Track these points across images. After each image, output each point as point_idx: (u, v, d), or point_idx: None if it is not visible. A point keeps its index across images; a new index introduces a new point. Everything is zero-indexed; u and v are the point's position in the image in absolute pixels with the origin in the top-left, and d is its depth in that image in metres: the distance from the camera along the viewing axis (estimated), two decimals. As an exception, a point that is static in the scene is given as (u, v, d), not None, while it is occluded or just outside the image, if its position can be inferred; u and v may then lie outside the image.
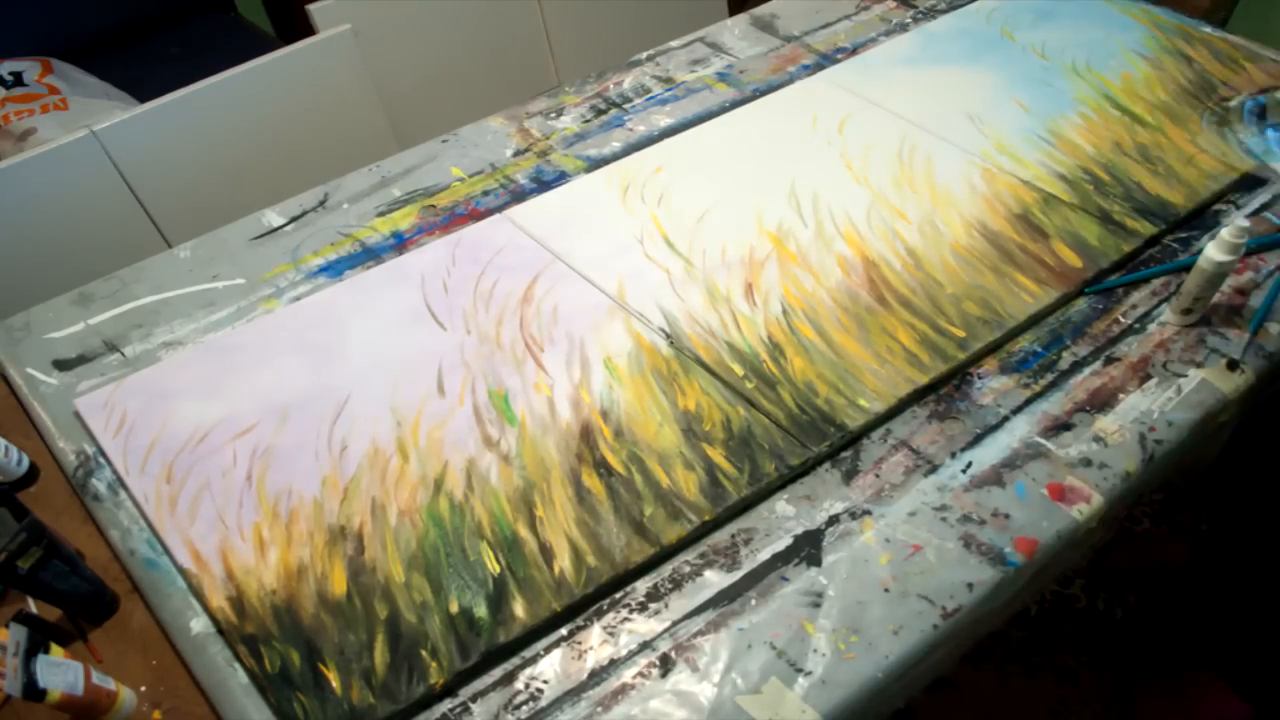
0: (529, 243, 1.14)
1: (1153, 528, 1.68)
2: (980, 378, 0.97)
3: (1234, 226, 0.93)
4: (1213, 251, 0.94)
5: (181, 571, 0.84)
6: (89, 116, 1.65)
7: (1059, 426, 0.92)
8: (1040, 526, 0.84)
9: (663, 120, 1.36)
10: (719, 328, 1.02)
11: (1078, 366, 0.98)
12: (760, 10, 1.60)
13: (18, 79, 2.01)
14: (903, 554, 0.83)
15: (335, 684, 0.75)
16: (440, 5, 1.81)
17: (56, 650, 0.73)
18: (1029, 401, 0.95)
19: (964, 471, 0.89)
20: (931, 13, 1.55)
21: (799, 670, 0.75)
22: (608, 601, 0.81)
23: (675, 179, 1.22)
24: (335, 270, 1.15)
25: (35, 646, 0.71)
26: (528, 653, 0.78)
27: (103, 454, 0.94)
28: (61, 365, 1.06)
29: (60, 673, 0.71)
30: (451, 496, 0.88)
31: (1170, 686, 1.24)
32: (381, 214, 1.23)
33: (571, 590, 0.80)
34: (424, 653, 0.76)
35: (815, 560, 0.83)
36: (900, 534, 0.84)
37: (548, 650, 0.78)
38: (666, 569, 0.83)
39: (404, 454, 0.91)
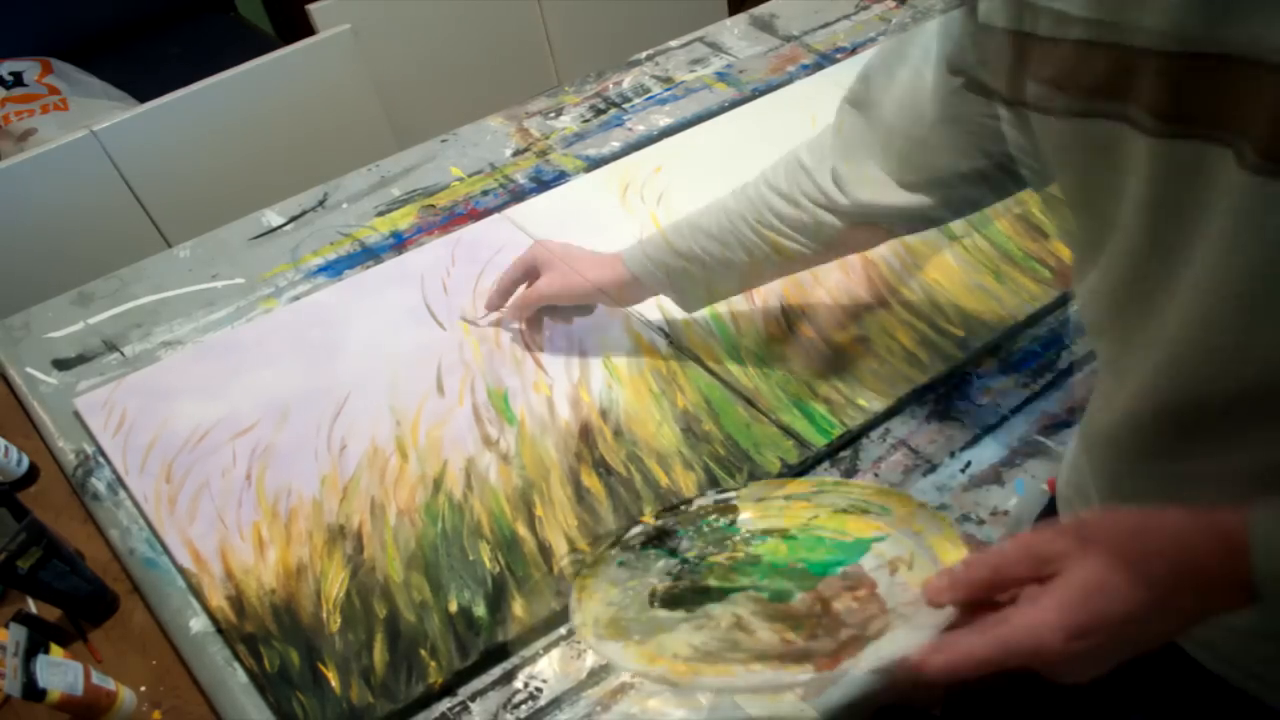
0: (528, 242, 1.14)
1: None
2: (979, 377, 0.97)
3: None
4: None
5: (181, 571, 0.84)
6: (89, 116, 1.65)
7: (1059, 424, 0.92)
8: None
9: (662, 120, 1.36)
10: (717, 327, 1.02)
11: (1078, 366, 0.98)
12: (760, 10, 1.60)
13: (18, 79, 2.01)
14: (902, 553, 0.83)
15: (334, 683, 0.75)
16: (440, 5, 1.81)
17: (56, 650, 0.73)
18: (1028, 401, 0.95)
19: (963, 471, 0.89)
20: (930, 13, 1.55)
21: (798, 669, 0.75)
22: (607, 601, 0.81)
23: (675, 179, 1.22)
24: (335, 270, 1.15)
25: (35, 646, 0.71)
26: (527, 652, 0.78)
27: (102, 453, 0.94)
28: (61, 365, 1.06)
29: (60, 673, 0.71)
30: (451, 496, 0.88)
31: None
32: (381, 214, 1.23)
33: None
34: (423, 652, 0.77)
35: (814, 559, 0.83)
36: (899, 533, 0.84)
37: (547, 649, 0.78)
38: (666, 568, 0.83)
39: (403, 453, 0.92)
